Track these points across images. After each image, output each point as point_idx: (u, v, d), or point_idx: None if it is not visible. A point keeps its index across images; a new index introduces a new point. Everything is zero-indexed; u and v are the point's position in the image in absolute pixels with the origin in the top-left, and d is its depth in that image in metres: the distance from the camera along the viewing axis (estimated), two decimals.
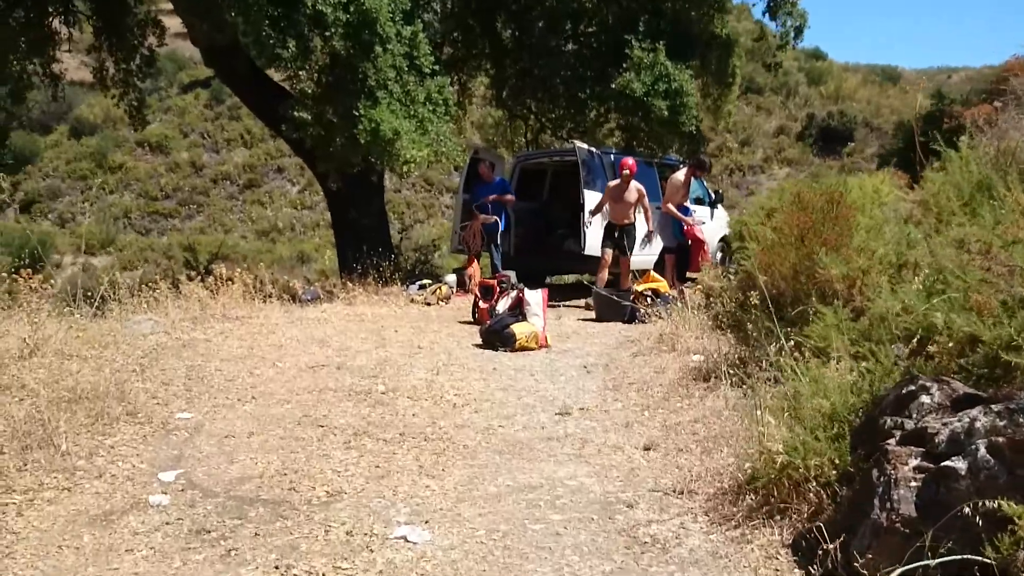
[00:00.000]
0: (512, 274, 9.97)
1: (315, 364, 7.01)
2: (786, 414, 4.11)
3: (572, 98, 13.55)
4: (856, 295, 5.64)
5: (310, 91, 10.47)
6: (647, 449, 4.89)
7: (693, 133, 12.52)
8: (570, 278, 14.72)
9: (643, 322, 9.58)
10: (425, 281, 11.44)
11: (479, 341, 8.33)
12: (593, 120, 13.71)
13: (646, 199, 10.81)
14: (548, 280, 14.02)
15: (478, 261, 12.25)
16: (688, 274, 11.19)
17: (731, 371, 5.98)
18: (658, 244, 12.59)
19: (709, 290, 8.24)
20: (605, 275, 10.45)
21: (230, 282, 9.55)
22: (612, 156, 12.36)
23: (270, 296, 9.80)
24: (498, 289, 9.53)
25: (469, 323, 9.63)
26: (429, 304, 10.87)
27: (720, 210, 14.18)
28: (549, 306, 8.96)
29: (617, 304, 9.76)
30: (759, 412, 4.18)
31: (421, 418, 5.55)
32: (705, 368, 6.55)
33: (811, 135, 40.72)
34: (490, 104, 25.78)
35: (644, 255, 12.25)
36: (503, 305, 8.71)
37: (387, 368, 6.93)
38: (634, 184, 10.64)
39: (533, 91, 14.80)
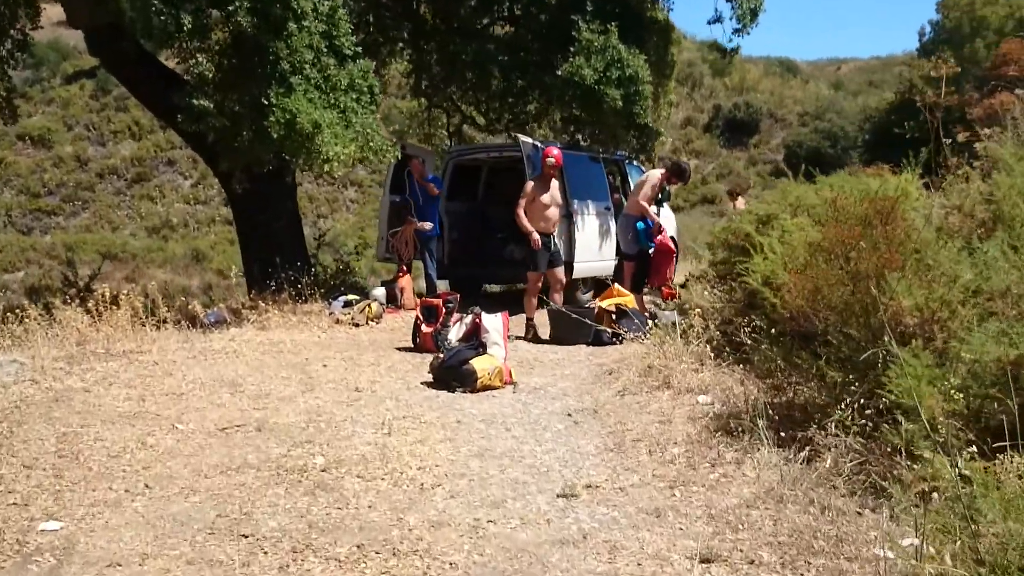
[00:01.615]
0: (453, 294, 8.53)
1: (227, 423, 5.44)
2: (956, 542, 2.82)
3: (509, 87, 12.11)
4: (936, 333, 4.45)
5: (210, 76, 8.78)
6: (706, 562, 3.55)
7: (646, 126, 11.28)
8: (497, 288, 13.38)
9: (610, 343, 8.32)
10: (350, 297, 9.89)
11: (427, 377, 6.89)
12: (534, 112, 12.28)
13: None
14: (484, 288, 12.63)
15: (409, 272, 10.75)
16: (666, 292, 9.96)
17: (768, 425, 4.74)
18: (610, 250, 11.36)
19: (697, 309, 6.98)
20: (560, 296, 9.09)
21: (115, 306, 7.84)
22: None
23: (164, 321, 8.11)
24: (443, 310, 8.09)
25: (410, 350, 8.16)
26: (358, 325, 9.32)
27: (666, 209, 13.04)
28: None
29: (579, 324, 8.42)
30: (913, 539, 2.89)
31: (381, 512, 4.09)
32: (724, 417, 5.28)
33: (718, 126, 40.50)
34: (405, 94, 24.19)
35: (598, 262, 10.98)
36: (455, 333, 7.28)
37: (322, 426, 5.43)
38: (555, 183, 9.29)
39: (461, 79, 13.31)
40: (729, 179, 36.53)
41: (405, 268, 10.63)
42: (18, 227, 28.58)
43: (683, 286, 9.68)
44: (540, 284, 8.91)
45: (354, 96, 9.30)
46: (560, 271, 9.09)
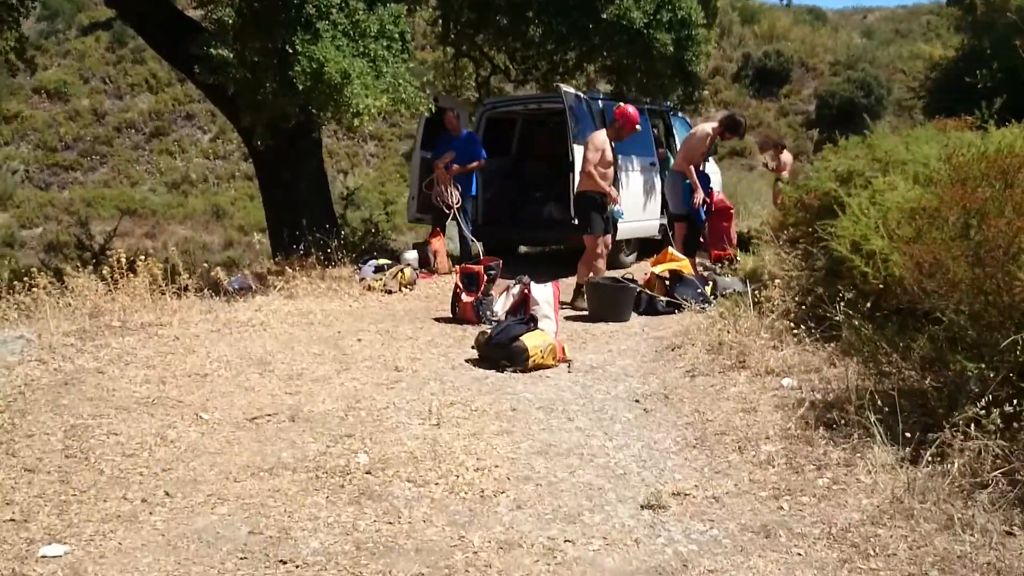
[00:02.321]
0: (495, 260, 7.86)
1: (257, 412, 4.85)
2: None
3: (547, 33, 11.28)
4: None
5: (230, 22, 8.07)
6: None
7: (695, 74, 10.48)
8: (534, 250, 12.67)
9: (666, 313, 7.67)
10: (382, 261, 9.25)
11: (472, 354, 6.28)
12: (574, 60, 11.43)
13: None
14: (522, 250, 11.95)
15: (443, 233, 10.09)
16: (715, 253, 9.24)
17: (878, 419, 4.10)
18: (655, 209, 10.65)
19: (775, 279, 6.29)
20: (604, 263, 8.36)
21: (131, 273, 7.25)
22: (600, 102, 10.27)
23: (186, 289, 7.51)
24: (484, 278, 7.44)
25: (449, 321, 7.53)
26: (390, 292, 8.70)
27: (712, 164, 12.27)
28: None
29: (621, 299, 7.69)
30: None
31: (439, 528, 3.49)
32: (819, 406, 4.63)
33: (747, 76, 39.21)
34: (427, 44, 23.27)
35: (643, 222, 10.26)
36: (501, 305, 6.63)
37: (362, 415, 4.83)
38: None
39: (493, 25, 12.48)
40: (759, 130, 35.45)
41: (439, 230, 9.95)
42: (36, 182, 28.03)
43: (745, 248, 8.98)
44: (600, 249, 8.21)
45: (384, 43, 8.57)
46: (609, 238, 8.39)
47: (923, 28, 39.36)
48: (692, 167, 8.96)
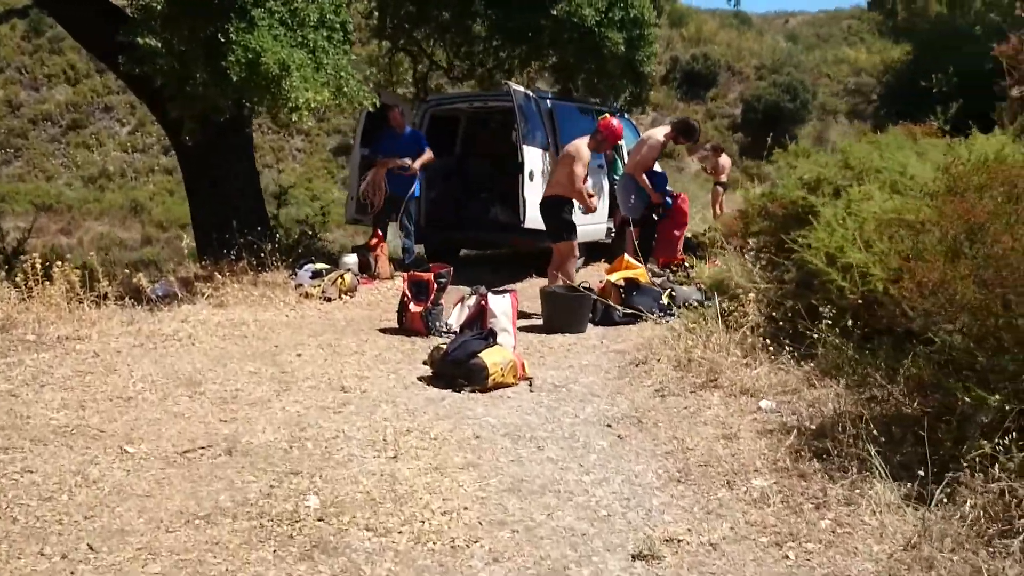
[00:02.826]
0: (445, 267, 7.39)
1: (189, 443, 4.32)
2: None
3: (494, 29, 10.82)
4: None
5: (158, 8, 7.44)
6: None
7: (645, 75, 10.17)
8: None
9: (623, 323, 7.34)
10: (319, 266, 8.70)
11: (424, 370, 5.83)
12: (522, 56, 11.00)
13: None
14: (462, 253, 11.49)
15: (384, 236, 9.57)
16: (663, 260, 8.95)
17: (877, 451, 3.81)
18: (602, 212, 10.31)
19: (747, 291, 5.97)
20: (573, 269, 8.00)
21: (47, 281, 6.60)
22: (549, 102, 9.89)
23: (105, 297, 6.88)
24: (434, 286, 6.98)
25: (396, 332, 7.05)
26: (330, 300, 8.16)
27: (657, 167, 12.02)
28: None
29: (576, 309, 7.32)
30: None
31: None
32: (805, 433, 4.32)
33: (675, 79, 39.39)
34: (362, 38, 22.63)
35: (590, 225, 9.89)
36: (455, 317, 6.18)
37: (309, 446, 4.33)
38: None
39: (435, 19, 11.98)
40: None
41: (379, 233, 9.43)
42: None
43: (694, 254, 8.70)
44: (574, 255, 7.90)
45: (325, 33, 8.05)
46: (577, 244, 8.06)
47: (844, 32, 40.17)
48: (640, 174, 8.67)
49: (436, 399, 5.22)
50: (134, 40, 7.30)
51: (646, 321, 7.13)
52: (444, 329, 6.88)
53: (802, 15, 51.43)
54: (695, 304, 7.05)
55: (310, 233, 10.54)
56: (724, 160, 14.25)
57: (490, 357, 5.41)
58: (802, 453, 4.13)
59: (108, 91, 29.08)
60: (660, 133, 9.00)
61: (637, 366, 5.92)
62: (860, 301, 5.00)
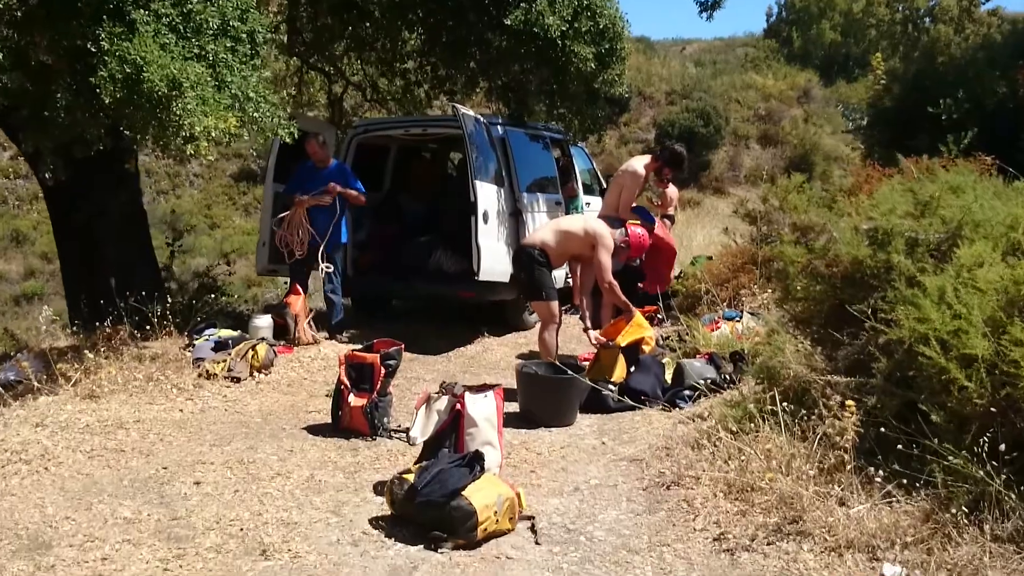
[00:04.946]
0: (396, 344, 5.70)
1: None
2: None
3: (434, 42, 9.13)
4: None
5: (11, 7, 5.62)
6: None
7: (613, 97, 8.74)
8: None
9: (619, 410, 5.84)
10: (224, 333, 6.92)
11: (375, 501, 4.18)
12: (469, 74, 9.32)
13: None
14: (393, 303, 9.78)
15: (305, 289, 7.83)
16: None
17: None
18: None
19: (797, 382, 4.51)
20: (554, 338, 6.42)
21: None
22: (501, 128, 8.35)
23: None
24: (380, 370, 5.31)
25: (330, 432, 5.33)
26: (238, 380, 6.37)
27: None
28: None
29: (567, 396, 5.72)
30: None
31: None
32: None
33: None
34: (265, 54, 20.73)
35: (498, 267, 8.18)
36: (420, 426, 4.50)
37: None
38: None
39: (357, 35, 10.30)
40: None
41: (298, 286, 7.67)
42: None
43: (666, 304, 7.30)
44: (555, 319, 6.38)
45: (228, 44, 6.29)
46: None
47: (740, 60, 40.23)
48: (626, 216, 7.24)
49: (404, 569, 3.55)
50: None
51: (650, 407, 5.64)
52: (394, 428, 5.24)
53: (697, 42, 51.66)
54: (711, 384, 5.61)
55: (212, 288, 8.67)
56: (671, 191, 12.95)
57: (479, 496, 3.78)
58: None
59: None
60: (639, 164, 7.55)
61: (668, 489, 4.36)
62: (993, 408, 3.63)
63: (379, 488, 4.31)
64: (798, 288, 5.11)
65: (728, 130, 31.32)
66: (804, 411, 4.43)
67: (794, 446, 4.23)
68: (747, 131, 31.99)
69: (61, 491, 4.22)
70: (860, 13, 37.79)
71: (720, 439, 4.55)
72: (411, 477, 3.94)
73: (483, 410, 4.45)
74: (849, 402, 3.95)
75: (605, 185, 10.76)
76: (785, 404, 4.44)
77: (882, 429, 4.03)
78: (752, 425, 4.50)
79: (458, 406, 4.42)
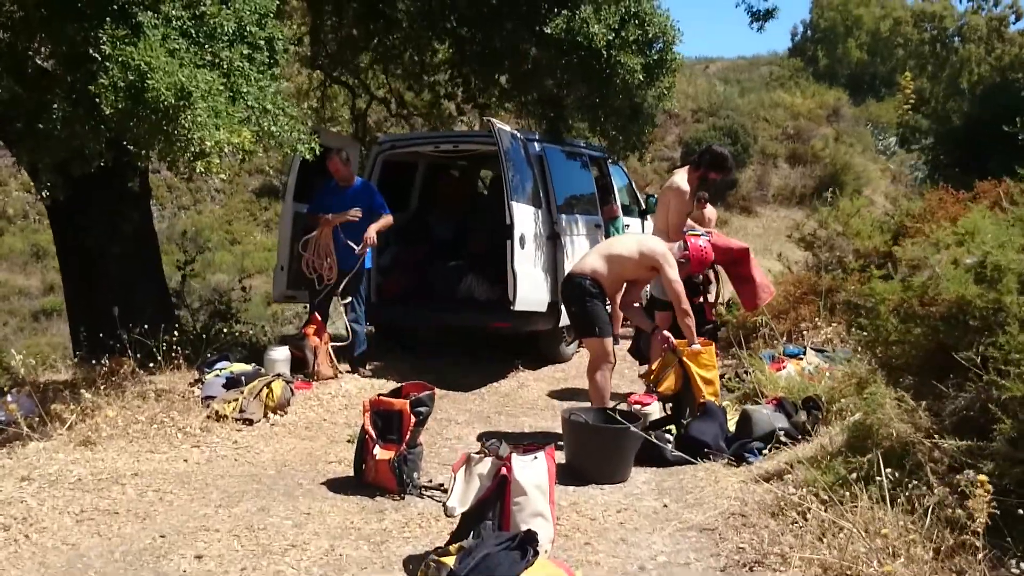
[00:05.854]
0: (428, 388, 5.05)
1: None
2: None
3: (466, 52, 8.52)
4: None
5: (6, 9, 5.08)
6: None
7: (651, 114, 8.08)
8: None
9: (676, 463, 5.18)
10: (237, 368, 6.31)
11: None
12: (504, 86, 8.68)
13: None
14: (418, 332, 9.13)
15: (325, 321, 7.21)
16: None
17: None
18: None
19: (901, 443, 3.83)
20: (608, 380, 5.74)
21: None
22: (538, 145, 7.73)
23: None
24: (410, 418, 4.67)
25: (353, 488, 4.69)
26: (250, 422, 5.76)
27: (632, 217, 9.95)
28: None
29: (620, 448, 5.02)
30: None
31: None
32: None
33: None
34: (287, 67, 20.43)
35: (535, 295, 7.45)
36: (458, 495, 3.84)
37: None
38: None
39: (384, 46, 9.72)
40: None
41: (318, 318, 7.05)
42: None
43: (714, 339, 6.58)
44: (609, 358, 5.68)
45: (245, 51, 5.71)
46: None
47: (764, 78, 39.64)
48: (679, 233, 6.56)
49: None
50: None
51: (713, 460, 4.97)
52: (424, 484, 4.61)
53: (720, 60, 51.05)
54: (784, 438, 4.93)
55: (226, 313, 8.05)
56: (710, 212, 12.26)
57: None
58: None
59: None
60: (681, 179, 6.74)
61: (752, 571, 3.68)
62: None
63: (410, 566, 3.67)
64: (889, 330, 4.42)
65: (756, 148, 30.67)
66: (906, 478, 3.77)
67: (904, 523, 3.54)
68: (775, 150, 31.32)
69: (41, 566, 3.61)
70: (888, 32, 37.14)
71: (809, 509, 3.87)
72: (450, 561, 3.29)
73: (533, 476, 3.79)
74: (981, 476, 3.26)
75: (644, 205, 10.12)
76: (888, 470, 3.76)
77: (1011, 501, 3.35)
78: (849, 493, 3.82)
79: (504, 471, 3.76)
